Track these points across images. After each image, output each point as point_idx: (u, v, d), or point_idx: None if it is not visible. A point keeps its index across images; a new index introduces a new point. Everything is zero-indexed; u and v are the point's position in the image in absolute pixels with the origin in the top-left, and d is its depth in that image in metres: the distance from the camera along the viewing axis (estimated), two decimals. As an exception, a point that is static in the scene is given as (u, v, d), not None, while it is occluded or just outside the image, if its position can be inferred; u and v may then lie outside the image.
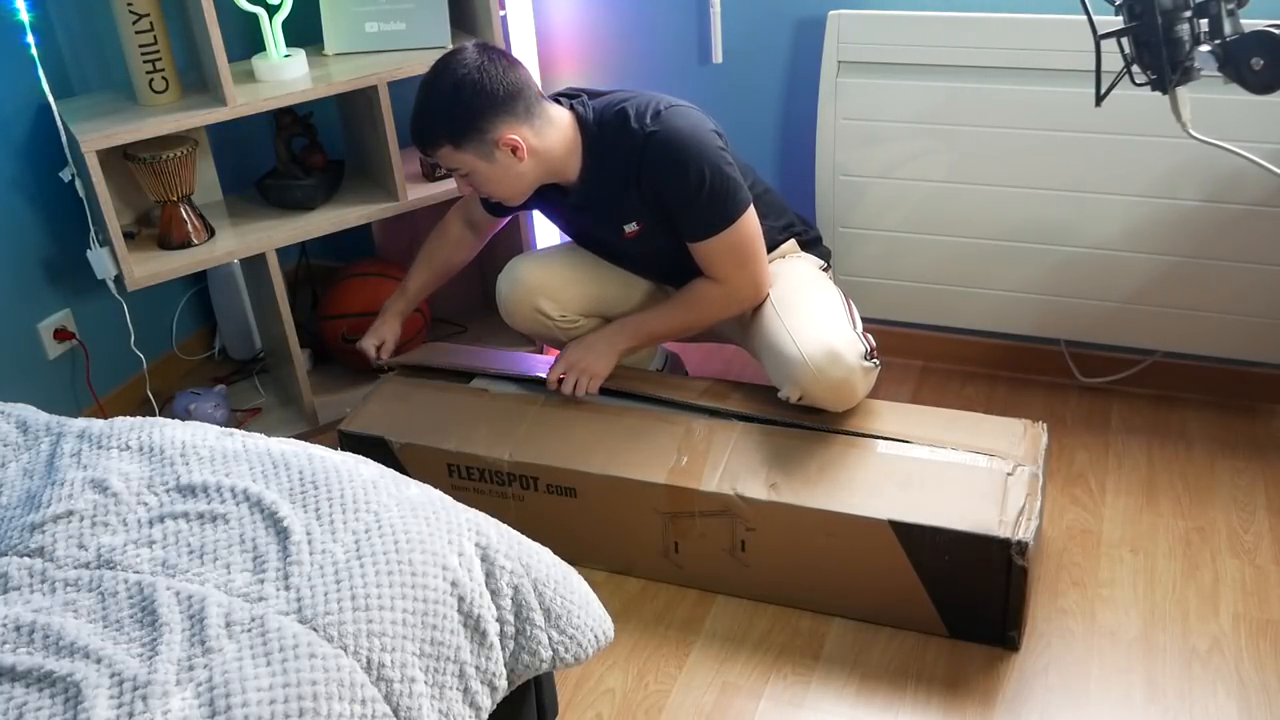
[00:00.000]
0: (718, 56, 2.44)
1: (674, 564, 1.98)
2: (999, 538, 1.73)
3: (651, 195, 1.96)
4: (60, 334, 2.46)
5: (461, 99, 1.88)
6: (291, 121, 2.47)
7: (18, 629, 1.25)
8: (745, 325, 2.12)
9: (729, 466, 1.92)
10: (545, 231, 2.69)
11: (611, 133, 1.96)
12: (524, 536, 1.51)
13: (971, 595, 1.81)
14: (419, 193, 2.50)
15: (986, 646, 1.84)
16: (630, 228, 2.03)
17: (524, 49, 2.54)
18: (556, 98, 2.03)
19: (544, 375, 2.12)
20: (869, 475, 1.87)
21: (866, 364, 1.90)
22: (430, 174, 2.54)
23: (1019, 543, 1.72)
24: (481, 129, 1.89)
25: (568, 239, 2.29)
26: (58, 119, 2.25)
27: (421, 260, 2.33)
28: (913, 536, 1.78)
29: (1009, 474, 1.83)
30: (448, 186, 2.51)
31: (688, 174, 1.90)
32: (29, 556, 1.37)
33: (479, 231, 2.31)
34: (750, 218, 1.97)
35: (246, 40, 2.45)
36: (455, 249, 2.32)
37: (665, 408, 2.06)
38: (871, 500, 1.82)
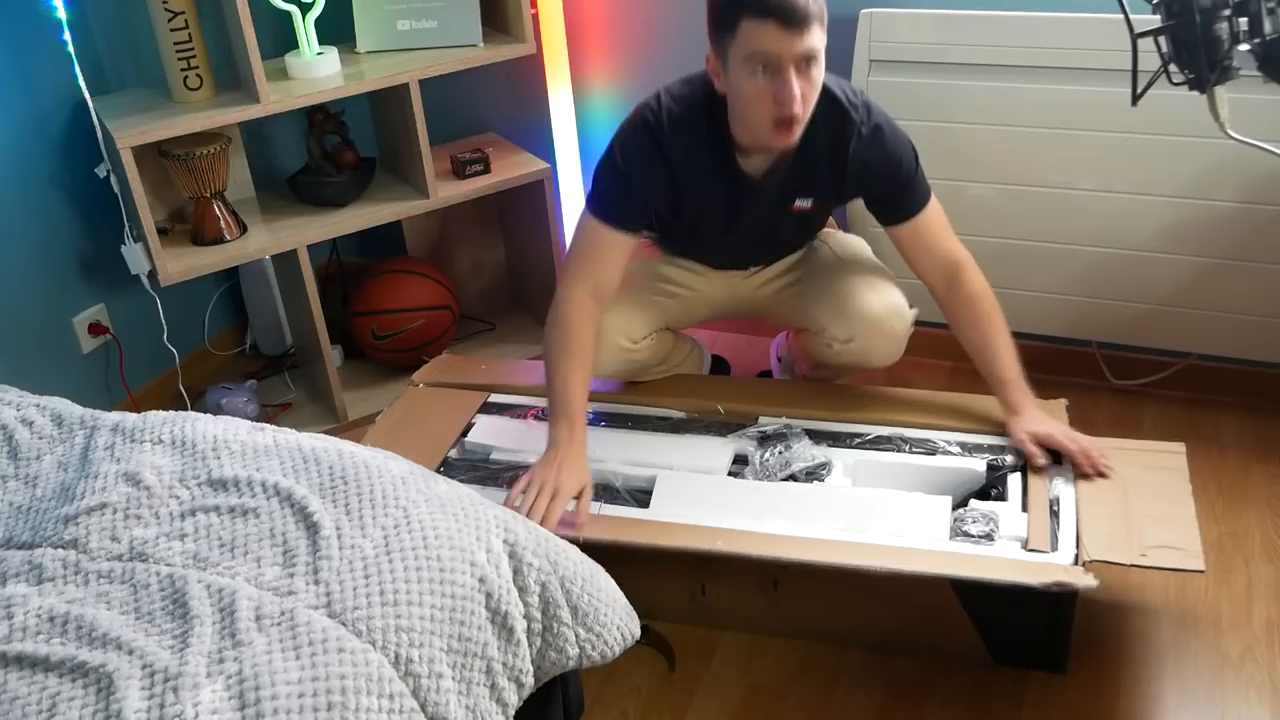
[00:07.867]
0: (748, 55, 2.43)
1: (701, 607, 1.91)
2: (1061, 581, 1.64)
3: (860, 180, 1.95)
4: (94, 328, 2.49)
5: None
6: (324, 119, 2.49)
7: (51, 619, 1.26)
8: (797, 276, 2.14)
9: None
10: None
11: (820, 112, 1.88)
12: (552, 534, 1.51)
13: (1020, 623, 1.76)
14: (449, 190, 2.51)
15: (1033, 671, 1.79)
16: (803, 204, 1.98)
17: (554, 48, 2.55)
18: None
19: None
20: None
21: (910, 328, 2.05)
22: (460, 172, 2.55)
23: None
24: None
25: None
26: (94, 115, 2.27)
27: (565, 360, 1.89)
28: (970, 587, 1.71)
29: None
30: (477, 184, 2.53)
31: (903, 160, 1.93)
32: (63, 548, 1.38)
33: (602, 300, 1.95)
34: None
35: (279, 38, 2.46)
36: (591, 329, 1.94)
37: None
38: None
